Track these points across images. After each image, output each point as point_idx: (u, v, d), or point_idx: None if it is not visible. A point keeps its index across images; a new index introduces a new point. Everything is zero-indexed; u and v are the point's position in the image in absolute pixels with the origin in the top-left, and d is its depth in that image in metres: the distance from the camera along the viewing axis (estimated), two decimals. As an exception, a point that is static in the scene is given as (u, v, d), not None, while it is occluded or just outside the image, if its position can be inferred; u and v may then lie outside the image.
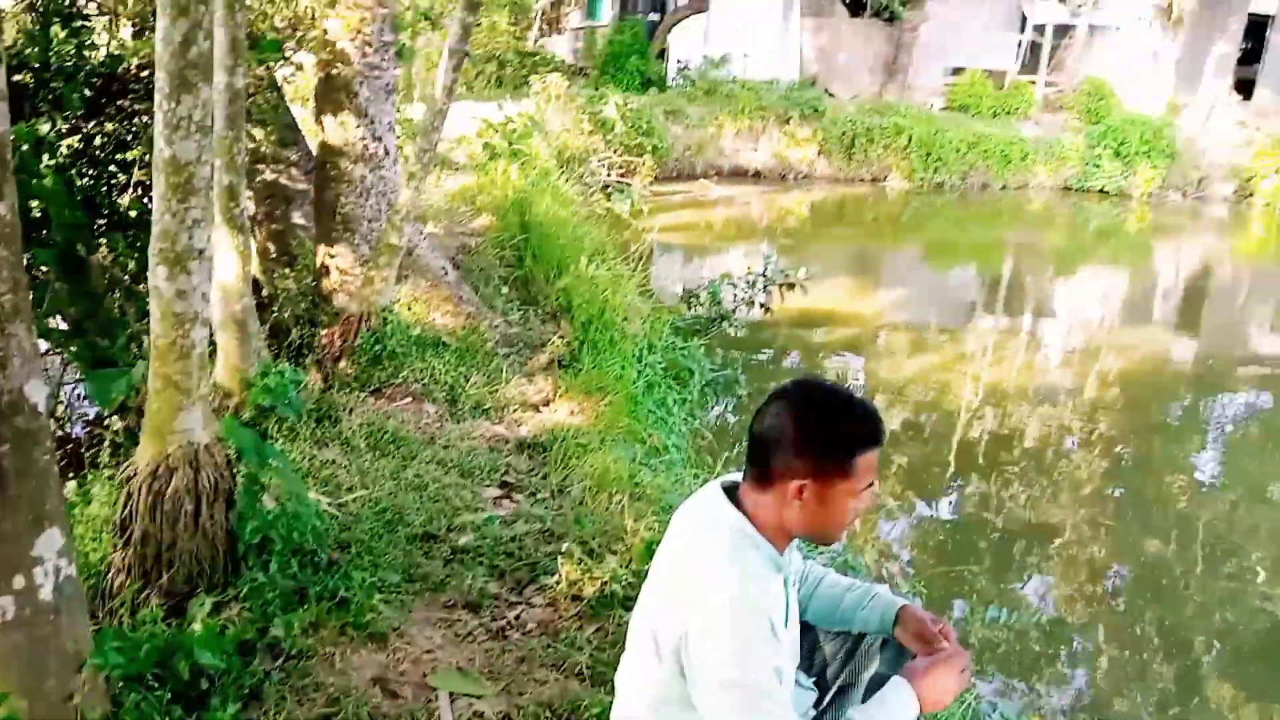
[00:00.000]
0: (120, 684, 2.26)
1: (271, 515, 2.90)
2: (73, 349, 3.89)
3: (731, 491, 1.95)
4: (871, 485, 1.87)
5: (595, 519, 3.67)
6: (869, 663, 2.23)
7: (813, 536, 1.92)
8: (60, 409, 4.61)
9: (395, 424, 4.28)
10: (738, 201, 17.02)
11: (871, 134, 18.80)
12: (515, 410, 4.87)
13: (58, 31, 4.20)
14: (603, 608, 3.07)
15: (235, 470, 2.89)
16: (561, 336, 5.87)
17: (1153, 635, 5.27)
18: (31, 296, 1.96)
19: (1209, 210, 19.76)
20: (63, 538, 2.08)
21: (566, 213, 7.56)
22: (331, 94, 5.34)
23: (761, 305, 6.80)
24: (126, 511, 2.74)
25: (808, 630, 2.32)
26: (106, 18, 5.04)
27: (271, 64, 5.70)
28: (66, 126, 4.29)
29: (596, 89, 16.68)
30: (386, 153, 5.54)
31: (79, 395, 4.81)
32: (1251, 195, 19.85)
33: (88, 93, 4.24)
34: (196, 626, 2.46)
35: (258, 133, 5.66)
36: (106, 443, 3.71)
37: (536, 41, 26.74)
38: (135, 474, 2.74)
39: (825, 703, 2.22)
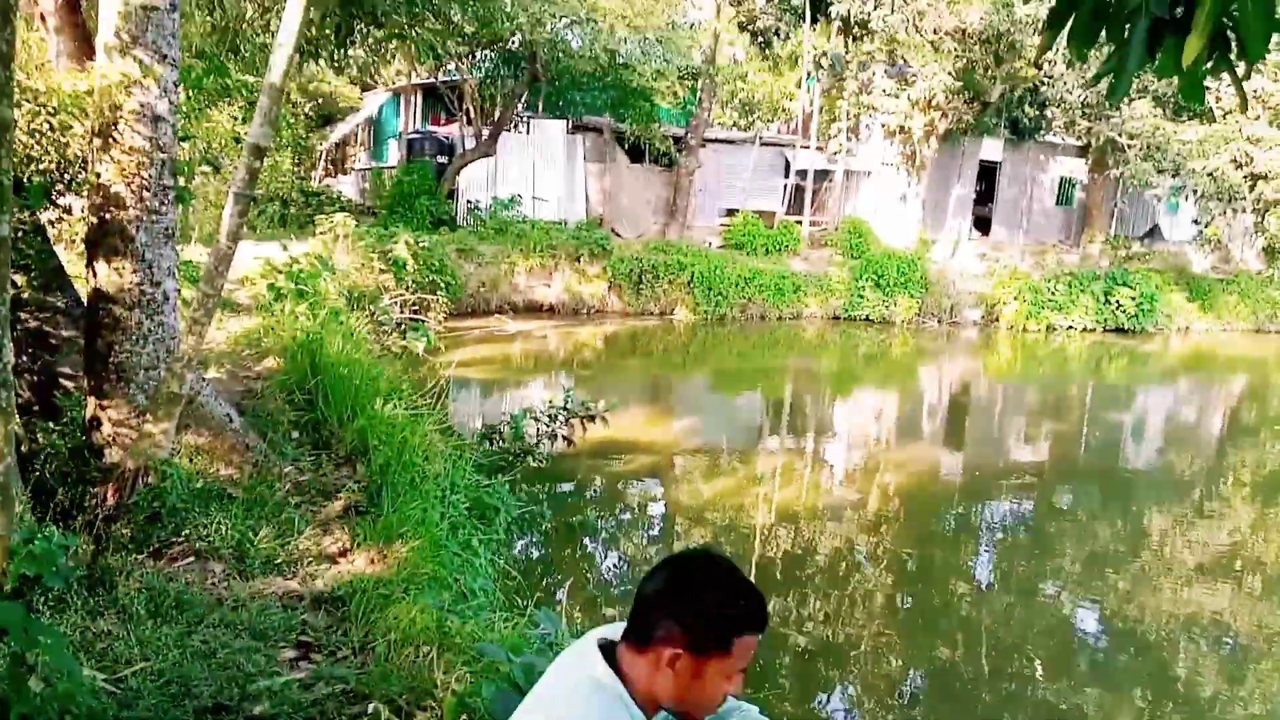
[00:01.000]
0: None
1: (39, 698, 2.61)
2: None
3: (609, 649, 1.89)
4: (745, 671, 1.83)
5: (402, 675, 3.52)
6: None
7: (680, 709, 1.85)
8: None
9: (178, 587, 3.98)
10: (534, 335, 17.25)
11: (657, 270, 19.69)
12: (310, 563, 4.63)
13: None
14: (414, 769, 2.93)
15: (-5, 652, 2.61)
16: (357, 482, 5.68)
17: None
18: None
19: (962, 334, 21.75)
20: None
21: (359, 353, 7.42)
22: (106, 238, 5.09)
23: (564, 438, 6.86)
24: None
25: None
26: None
27: (37, 209, 5.40)
28: None
29: (386, 228, 16.67)
30: (166, 298, 5.30)
31: None
32: (997, 319, 22.07)
33: None
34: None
35: (19, 278, 5.29)
36: None
37: (321, 181, 26.55)
38: None
39: None
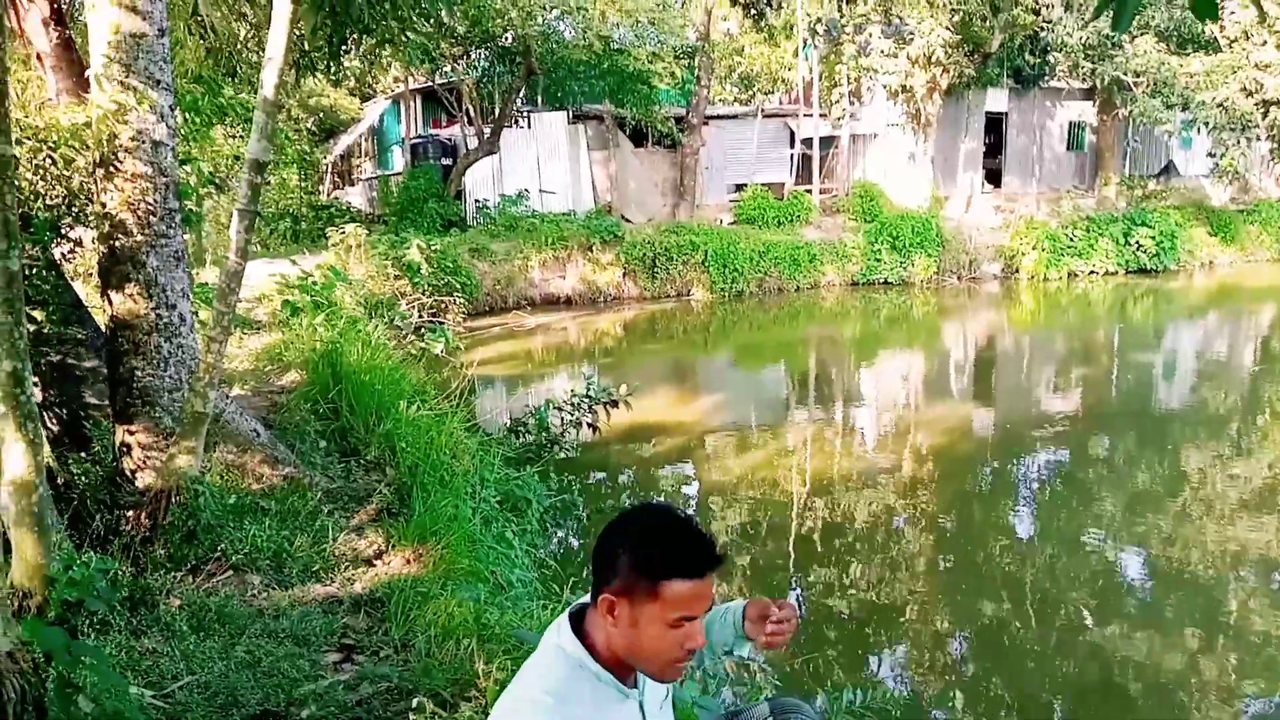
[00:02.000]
0: None
1: (89, 717, 2.65)
2: None
3: (580, 615, 1.91)
4: (691, 621, 1.78)
5: (444, 669, 3.55)
6: None
7: (636, 663, 1.84)
8: None
9: (218, 601, 4.03)
10: (553, 328, 17.29)
11: (670, 253, 19.65)
12: (347, 568, 4.68)
13: None
14: (463, 758, 2.95)
15: (44, 675, 2.65)
16: (388, 485, 5.72)
17: (1004, 695, 5.48)
18: None
19: (983, 289, 21.57)
20: None
21: (380, 358, 7.46)
22: (117, 266, 5.14)
23: (590, 425, 6.87)
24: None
25: None
26: None
27: (47, 244, 5.46)
28: None
29: (397, 234, 16.74)
30: (182, 320, 5.35)
31: None
32: (1017, 271, 21.87)
33: None
34: None
35: (38, 314, 5.36)
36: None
37: (329, 195, 26.69)
38: (-77, 698, 2.46)
39: None
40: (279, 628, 3.90)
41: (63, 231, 5.79)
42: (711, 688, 3.65)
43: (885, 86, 22.91)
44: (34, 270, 5.28)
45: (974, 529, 8.03)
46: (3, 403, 3.48)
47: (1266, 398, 12.75)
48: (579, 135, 22.17)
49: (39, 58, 5.85)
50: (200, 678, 3.36)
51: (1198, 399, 12.95)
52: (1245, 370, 14.79)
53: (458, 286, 15.90)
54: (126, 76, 4.97)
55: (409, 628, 3.95)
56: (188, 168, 6.24)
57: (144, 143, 5.05)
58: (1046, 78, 24.24)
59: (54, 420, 5.71)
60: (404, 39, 8.60)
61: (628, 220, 21.31)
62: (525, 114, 21.90)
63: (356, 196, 26.83)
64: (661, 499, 7.88)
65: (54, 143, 5.28)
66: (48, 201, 5.53)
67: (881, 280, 21.33)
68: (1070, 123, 26.08)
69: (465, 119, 21.74)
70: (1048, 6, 21.11)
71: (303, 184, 24.15)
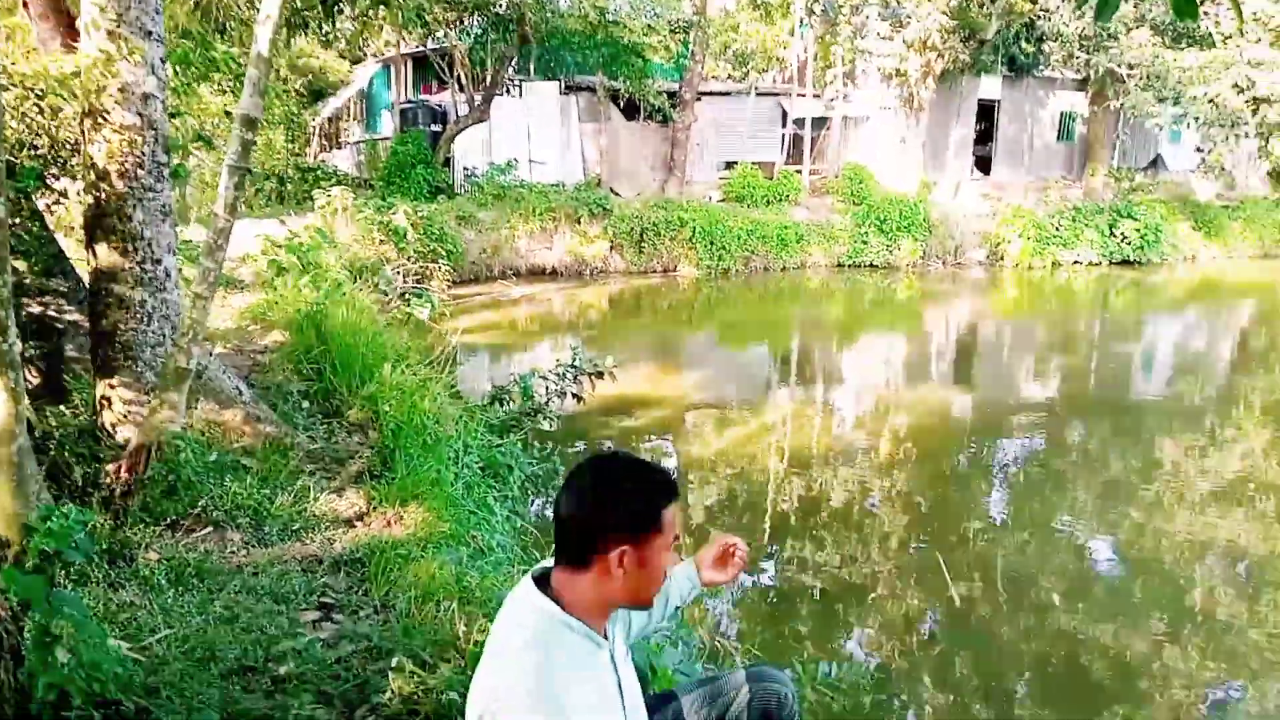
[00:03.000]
0: None
1: (67, 668, 2.65)
2: None
3: (544, 579, 1.97)
4: (678, 538, 1.97)
5: (424, 630, 3.56)
6: None
7: (633, 602, 1.97)
8: None
9: (197, 556, 4.02)
10: (539, 299, 17.24)
11: (658, 228, 19.60)
12: (327, 528, 4.67)
13: None
14: (441, 718, 2.97)
15: (21, 624, 2.64)
16: (370, 447, 5.72)
17: (971, 676, 5.56)
18: None
19: (967, 275, 21.65)
20: None
21: (365, 322, 7.43)
22: (103, 219, 5.08)
23: (574, 395, 6.87)
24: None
25: (672, 699, 2.39)
26: None
27: (31, 192, 5.40)
28: None
29: (384, 199, 16.62)
30: (168, 275, 5.31)
31: None
32: (1002, 258, 21.95)
33: None
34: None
35: (20, 265, 5.30)
36: None
37: (316, 157, 26.45)
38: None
39: None
40: (258, 585, 3.90)
41: (48, 182, 5.73)
42: (690, 656, 3.69)
43: (879, 69, 22.85)
44: (17, 220, 5.22)
45: (948, 511, 8.09)
46: (-15, 350, 3.46)
47: (1242, 391, 12.88)
48: (570, 106, 22.03)
49: (25, 4, 5.76)
50: (178, 631, 3.35)
51: (1174, 391, 13.08)
52: (1223, 364, 14.94)
53: (443, 254, 15.82)
54: (117, 26, 4.90)
55: (389, 588, 3.96)
56: (176, 122, 6.17)
57: (133, 94, 4.98)
58: (1040, 67, 24.25)
59: (34, 373, 5.67)
60: (399, 1, 8.53)
61: (617, 194, 21.23)
62: (517, 83, 21.73)
63: (343, 160, 26.60)
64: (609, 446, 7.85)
65: (41, 91, 5.21)
66: (33, 151, 5.46)
67: (867, 263, 21.37)
68: (1061, 113, 26.14)
69: (456, 85, 21.55)
70: (1045, -6, 21.09)
71: (289, 145, 23.91)
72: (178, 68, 6.53)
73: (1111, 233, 22.33)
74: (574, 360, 6.83)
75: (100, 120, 4.97)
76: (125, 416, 5.12)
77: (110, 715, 2.68)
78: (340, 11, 8.53)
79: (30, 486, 3.75)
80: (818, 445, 9.75)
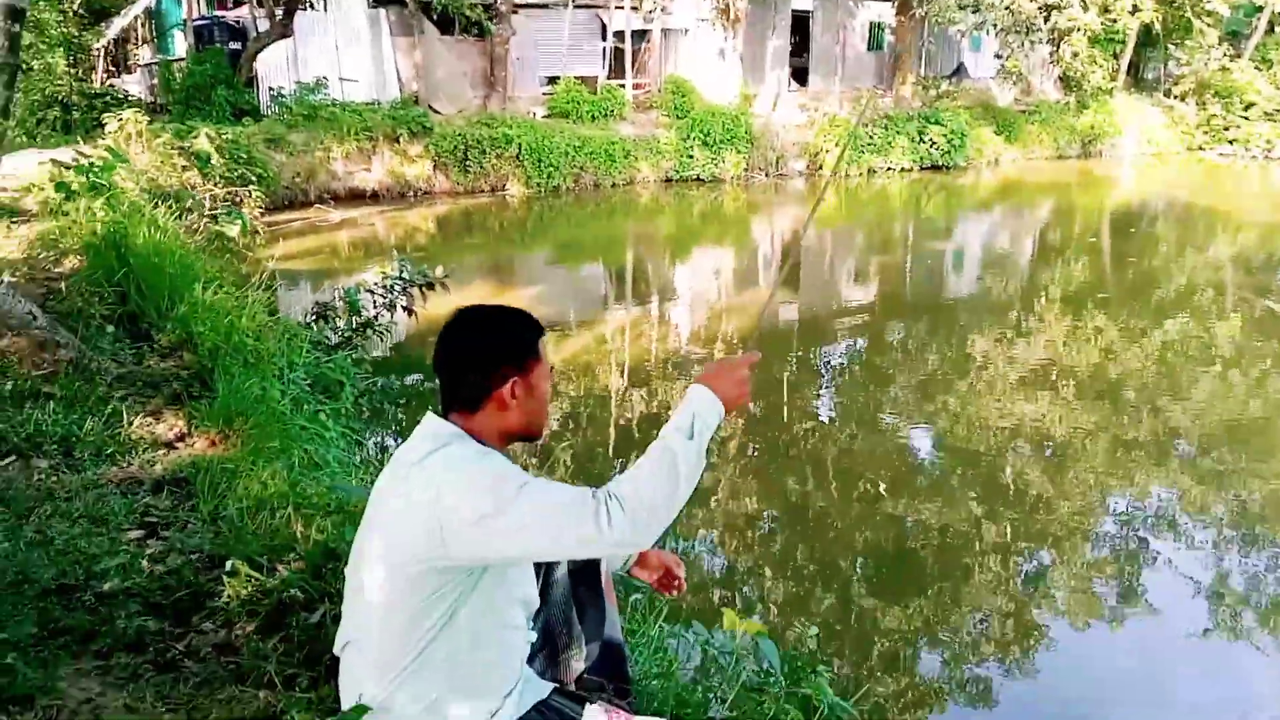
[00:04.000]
0: None
1: None
2: None
3: None
4: (553, 367, 2.17)
5: (259, 536, 3.41)
6: None
7: (528, 430, 2.11)
8: None
9: (0, 484, 3.70)
10: (361, 223, 16.59)
11: (482, 145, 19.13)
12: (145, 451, 4.38)
13: None
14: (282, 616, 2.86)
15: None
16: (186, 369, 5.39)
17: (809, 564, 5.83)
18: None
19: (789, 185, 22.22)
20: None
21: (171, 243, 6.94)
22: None
23: (404, 309, 6.64)
24: None
25: None
26: None
27: None
28: None
29: (183, 123, 15.46)
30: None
31: None
32: (821, 168, 22.59)
33: None
34: None
35: None
36: None
37: (104, 83, 24.33)
38: None
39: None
40: (72, 509, 3.63)
41: None
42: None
43: (695, -21, 22.80)
44: None
45: (778, 413, 8.38)
46: None
47: (1042, 284, 13.84)
48: (380, 20, 20.98)
49: None
50: (-18, 557, 3.09)
51: (982, 288, 13.94)
52: (1025, 261, 16.00)
53: (253, 179, 14.88)
54: None
55: (217, 503, 3.76)
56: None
57: None
58: (849, -23, 24.80)
59: None
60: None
61: (436, 111, 20.50)
62: (321, -4, 20.49)
63: (134, 85, 24.56)
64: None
65: None
66: None
67: (694, 177, 21.56)
68: (871, 23, 26.89)
69: (255, 1, 20.14)
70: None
71: (71, 70, 21.80)
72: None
73: (921, 139, 23.30)
74: (401, 272, 6.59)
75: None
76: (-102, 348, 4.63)
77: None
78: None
79: None
80: (654, 357, 9.88)
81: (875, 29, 27.03)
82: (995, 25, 22.77)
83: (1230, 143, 27.39)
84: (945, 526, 6.21)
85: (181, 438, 4.64)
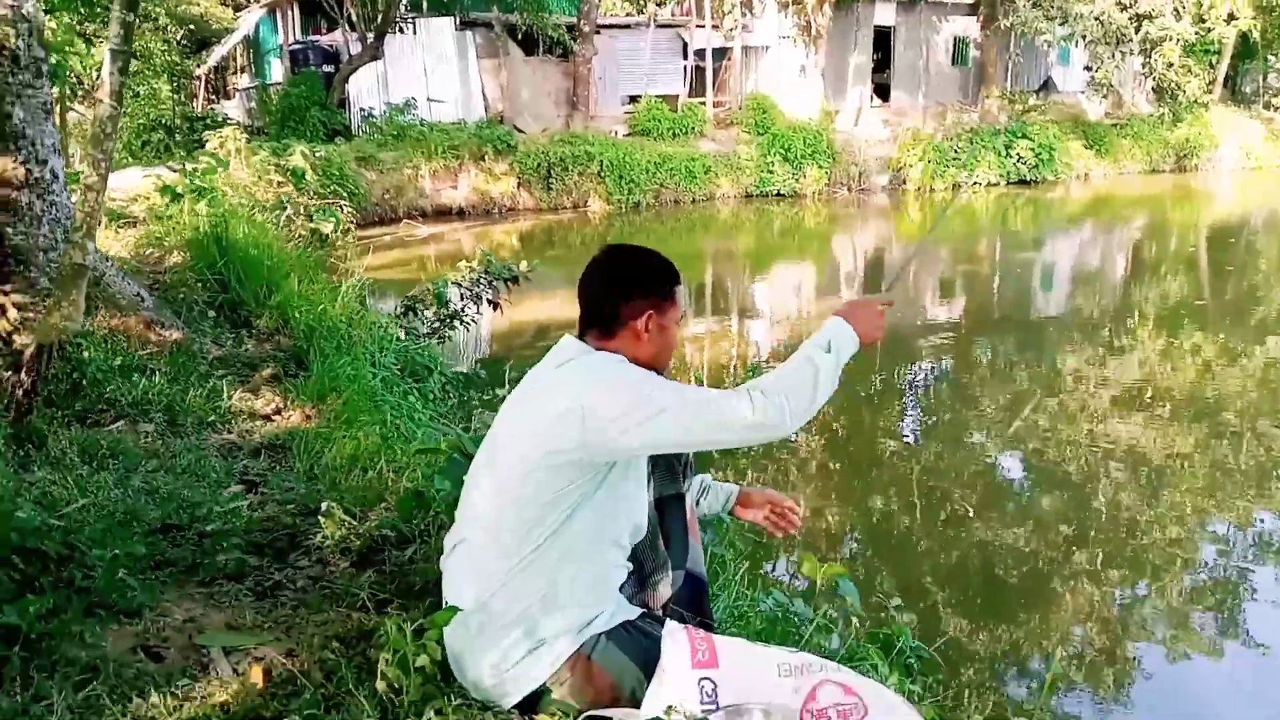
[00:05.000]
0: None
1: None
2: None
3: None
4: (684, 315, 2.28)
5: (353, 488, 3.52)
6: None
7: (654, 364, 2.20)
8: None
9: (110, 439, 3.88)
10: (447, 239, 16.95)
11: (565, 163, 19.42)
12: (244, 421, 4.56)
13: None
14: (374, 554, 2.94)
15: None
16: (283, 351, 5.58)
17: (893, 588, 5.60)
18: None
19: (872, 200, 22.00)
20: None
21: (268, 238, 7.21)
22: (-21, 116, 4.80)
23: (490, 302, 6.75)
24: None
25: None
26: None
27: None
28: None
29: (279, 142, 16.05)
30: (55, 176, 5.05)
31: None
32: (904, 182, 22.36)
33: None
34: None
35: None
36: None
37: (205, 107, 25.42)
38: None
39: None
40: (176, 465, 3.79)
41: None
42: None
43: (776, -2, 22.89)
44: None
45: (863, 432, 8.18)
46: None
47: (1136, 302, 13.38)
48: (467, 42, 21.53)
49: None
50: (95, 500, 3.24)
51: (1073, 305, 13.52)
52: (1118, 276, 15.52)
53: (345, 195, 15.38)
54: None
55: (313, 462, 3.89)
56: (49, 18, 5.85)
57: (1, -20, 4.69)
58: (933, -8, 24.60)
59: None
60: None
61: (520, 130, 20.90)
62: (410, 19, 21.11)
63: (234, 109, 25.60)
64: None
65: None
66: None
67: (775, 192, 21.53)
68: (955, 37, 26.57)
69: (347, 25, 20.85)
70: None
71: (175, 95, 22.86)
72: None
73: (1008, 153, 22.90)
74: (487, 265, 6.72)
75: (-32, 10, 4.67)
76: (21, 325, 4.88)
77: (28, 560, 2.58)
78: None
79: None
80: (735, 377, 9.81)
81: (959, 43, 26.71)
82: (1084, 36, 22.30)
83: (1335, 156, 26.30)
84: (1035, 552, 5.98)
85: (278, 411, 4.81)
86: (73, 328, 4.58)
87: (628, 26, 23.60)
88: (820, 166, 21.79)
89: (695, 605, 2.47)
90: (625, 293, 2.16)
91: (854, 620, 2.75)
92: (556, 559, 2.03)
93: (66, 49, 5.93)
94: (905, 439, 8.17)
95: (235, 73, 28.37)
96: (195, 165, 8.63)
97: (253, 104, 23.87)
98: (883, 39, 25.64)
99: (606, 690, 2.06)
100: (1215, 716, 4.52)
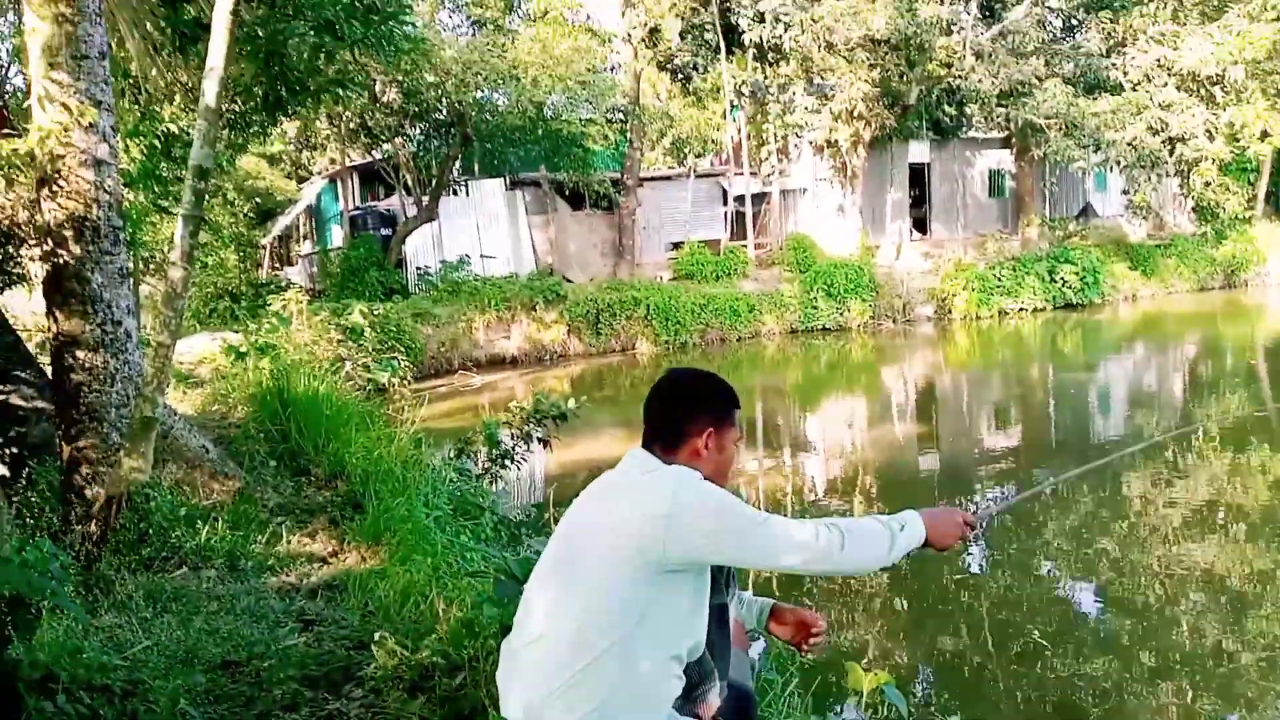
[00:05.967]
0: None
1: (50, 650, 2.65)
2: None
3: None
4: (740, 437, 2.41)
5: (405, 621, 3.58)
6: None
7: (716, 481, 2.27)
8: None
9: (174, 585, 4.01)
10: (501, 386, 17.30)
11: (613, 309, 19.90)
12: (302, 563, 4.68)
13: None
14: (425, 681, 2.98)
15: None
16: (340, 496, 5.73)
17: None
18: None
19: (918, 330, 22.08)
20: None
21: (326, 389, 7.48)
22: (62, 284, 5.17)
23: (540, 440, 6.91)
24: None
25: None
26: None
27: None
28: None
29: (339, 302, 16.75)
30: (128, 336, 5.37)
31: None
32: (950, 312, 22.47)
33: None
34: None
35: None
36: None
37: (269, 273, 26.65)
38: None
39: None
40: (236, 607, 3.89)
41: (5, 268, 5.80)
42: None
43: (811, 142, 23.67)
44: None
45: (927, 567, 7.96)
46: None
47: (1198, 420, 13.06)
48: (517, 200, 22.52)
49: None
50: (159, 640, 3.34)
51: (1133, 427, 13.22)
52: (1176, 396, 15.25)
53: (402, 350, 15.90)
54: (69, 97, 5.07)
55: (367, 597, 3.96)
56: (127, 189, 6.32)
57: (87, 160, 5.13)
58: (964, 128, 25.28)
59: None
60: (338, 94, 8.79)
61: (569, 280, 21.58)
62: (463, 182, 22.20)
63: (296, 275, 26.82)
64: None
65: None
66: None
67: (820, 327, 21.76)
68: (990, 170, 27.14)
69: (403, 189, 21.98)
70: (959, 57, 22.09)
71: (241, 264, 24.13)
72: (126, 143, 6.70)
73: (1052, 278, 23.00)
74: (536, 406, 6.90)
75: (56, 188, 5.09)
76: (93, 478, 5.11)
77: (95, 696, 2.67)
78: (280, 109, 8.75)
79: (3, 527, 3.75)
80: (790, 510, 9.71)
81: (995, 175, 27.26)
82: (1119, 162, 22.64)
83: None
84: (1116, 684, 5.70)
85: (335, 554, 4.92)
86: (141, 479, 4.79)
87: (669, 178, 24.54)
88: (864, 300, 22.05)
89: (742, 716, 2.47)
90: (688, 410, 2.28)
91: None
92: (616, 670, 2.05)
93: (144, 220, 6.36)
94: (971, 569, 7.95)
95: (298, 240, 29.84)
96: (259, 325, 9.03)
97: (314, 269, 24.99)
98: (918, 175, 26.28)
99: None
100: None
